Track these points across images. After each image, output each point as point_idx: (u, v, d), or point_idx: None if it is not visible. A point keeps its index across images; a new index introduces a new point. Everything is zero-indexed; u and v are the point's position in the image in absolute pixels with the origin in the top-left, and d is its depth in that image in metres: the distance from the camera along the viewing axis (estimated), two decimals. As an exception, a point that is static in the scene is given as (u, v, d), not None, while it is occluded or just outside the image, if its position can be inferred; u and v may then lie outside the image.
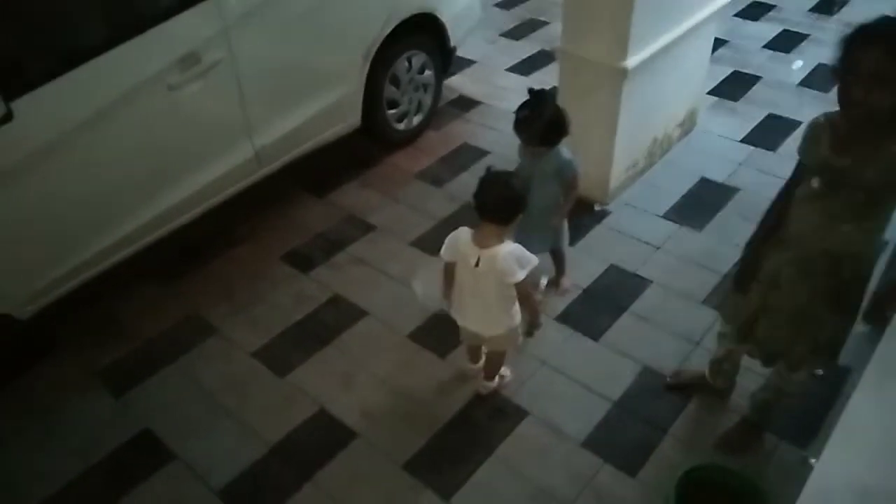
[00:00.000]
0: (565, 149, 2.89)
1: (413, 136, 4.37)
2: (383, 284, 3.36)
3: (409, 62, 4.11)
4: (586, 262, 3.43)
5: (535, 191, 2.83)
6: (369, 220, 3.76)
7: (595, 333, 3.06)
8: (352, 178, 4.08)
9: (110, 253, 3.04)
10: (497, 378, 2.83)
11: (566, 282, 3.28)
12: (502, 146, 4.21)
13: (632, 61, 3.28)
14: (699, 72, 4.11)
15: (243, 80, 3.18)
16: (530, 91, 2.81)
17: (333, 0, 3.46)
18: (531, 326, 2.60)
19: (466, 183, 2.87)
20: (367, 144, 4.23)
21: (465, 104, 4.77)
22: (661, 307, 3.18)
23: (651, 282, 3.31)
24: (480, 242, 2.36)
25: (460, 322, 2.65)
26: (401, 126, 4.27)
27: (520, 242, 2.49)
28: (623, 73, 3.28)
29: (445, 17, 4.16)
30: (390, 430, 2.71)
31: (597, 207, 3.77)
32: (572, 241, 3.52)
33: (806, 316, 2.16)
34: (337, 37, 3.56)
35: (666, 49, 3.48)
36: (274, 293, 3.33)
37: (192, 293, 3.34)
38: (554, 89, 2.75)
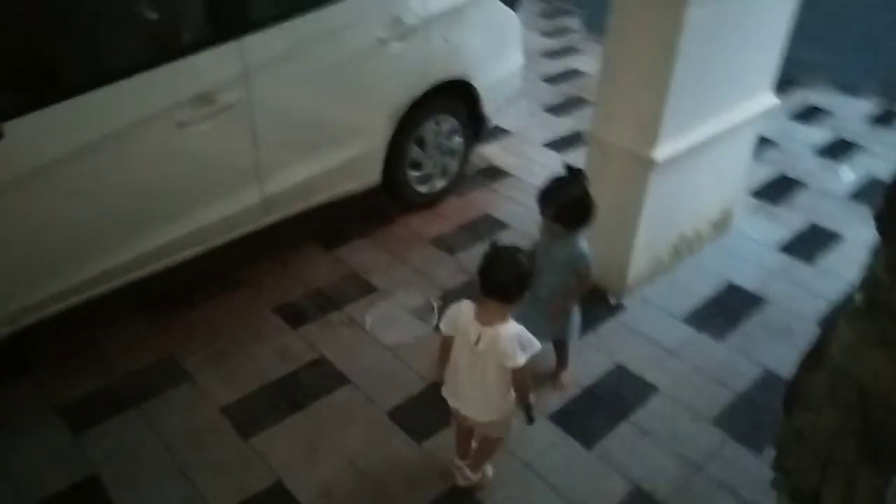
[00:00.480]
0: (584, 241, 2.72)
1: (435, 199, 4.25)
2: (372, 352, 3.17)
3: (439, 125, 4.01)
4: (592, 358, 3.20)
5: (545, 276, 2.67)
6: (372, 280, 3.61)
7: (589, 440, 2.81)
8: (364, 235, 3.95)
9: (97, 283, 2.95)
10: (480, 472, 2.60)
11: (567, 378, 3.05)
12: (523, 221, 4.05)
13: (661, 153, 3.11)
14: (738, 171, 3.91)
15: (258, 125, 3.11)
16: (567, 167, 2.68)
17: (363, 58, 3.39)
18: (527, 412, 2.38)
19: (479, 254, 2.76)
20: (386, 202, 4.12)
21: (494, 174, 4.64)
22: (665, 420, 2.91)
23: (658, 390, 3.05)
24: (483, 319, 2.21)
25: (452, 403, 2.43)
26: (423, 189, 4.15)
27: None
28: (650, 164, 3.11)
29: (480, 85, 4.07)
30: (346, 517, 2.49)
31: (612, 300, 3.55)
32: (581, 334, 3.31)
33: (833, 454, 1.89)
34: (363, 94, 3.49)
35: (700, 145, 3.31)
36: (257, 346, 3.17)
37: (174, 334, 3.21)
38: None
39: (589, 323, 3.35)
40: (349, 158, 3.59)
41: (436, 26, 3.65)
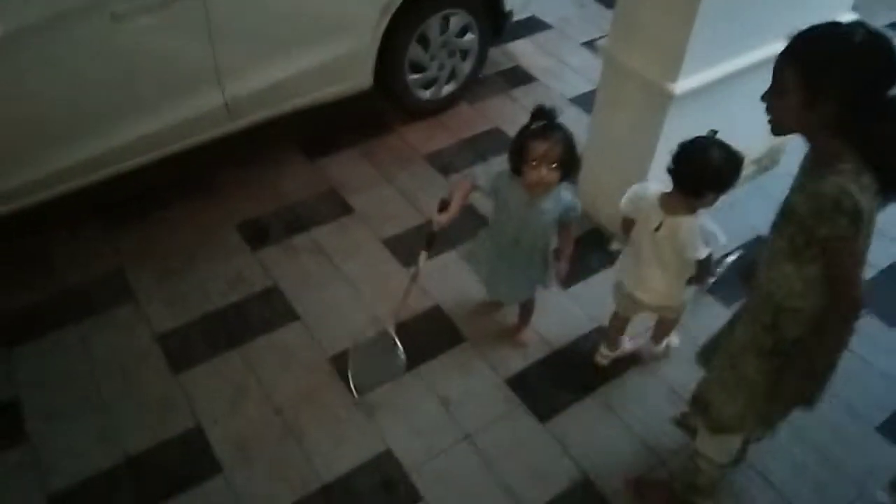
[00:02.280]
0: (565, 190, 2.28)
1: (440, 107, 3.79)
2: (330, 285, 2.90)
3: (447, 20, 3.48)
4: (572, 315, 2.84)
5: (528, 229, 2.30)
6: (350, 199, 3.28)
7: (544, 412, 2.51)
8: (354, 144, 3.58)
9: (46, 185, 2.74)
10: (665, 342, 2.62)
11: (527, 335, 2.73)
12: (538, 140, 3.57)
13: (684, 85, 2.55)
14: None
15: (212, 18, 2.70)
16: (541, 109, 2.16)
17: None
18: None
19: (477, 177, 2.44)
20: (386, 108, 3.70)
21: (517, 78, 4.10)
22: (636, 399, 2.58)
23: (639, 362, 2.69)
24: (667, 208, 2.14)
25: (626, 288, 2.36)
26: (426, 94, 3.69)
27: (503, 282, 2.43)
28: (669, 97, 2.56)
29: (500, -25, 3.48)
30: (257, 475, 2.31)
31: (613, 247, 3.11)
32: (568, 284, 2.94)
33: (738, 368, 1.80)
34: (346, -19, 2.99)
35: (738, 73, 2.71)
36: (210, 267, 2.95)
37: (127, 245, 3.02)
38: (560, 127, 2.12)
39: (580, 273, 2.97)
40: (331, 58, 3.15)
41: None
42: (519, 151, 2.12)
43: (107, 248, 3.01)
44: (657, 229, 2.15)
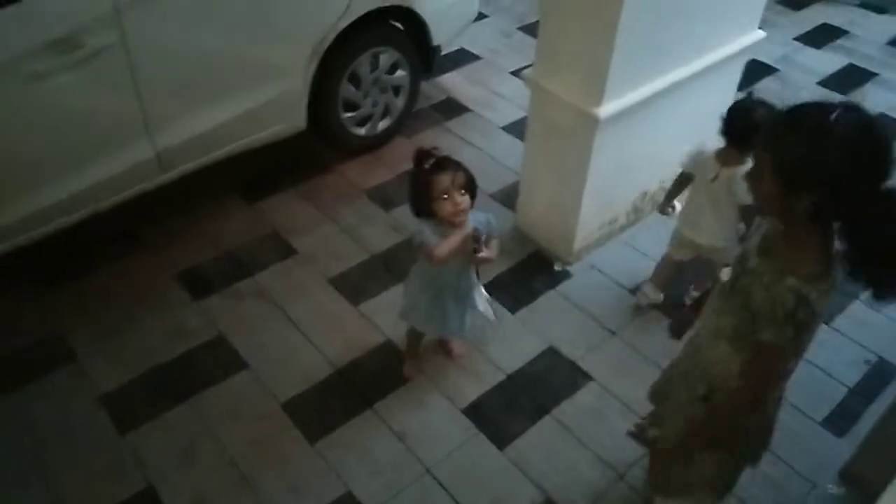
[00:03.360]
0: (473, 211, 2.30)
1: (377, 142, 3.81)
2: (278, 329, 2.87)
3: (377, 59, 3.52)
4: (521, 339, 2.87)
5: (464, 258, 2.30)
6: (293, 241, 3.26)
7: (502, 439, 2.52)
8: (292, 185, 3.56)
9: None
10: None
11: (460, 346, 2.77)
12: (476, 169, 3.57)
13: (607, 109, 2.65)
14: (716, 117, 3.39)
15: (138, 71, 2.68)
16: (422, 151, 2.22)
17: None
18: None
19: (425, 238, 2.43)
20: (323, 146, 3.70)
21: (451, 109, 4.17)
22: (592, 416, 2.61)
23: (592, 379, 2.73)
24: (722, 160, 2.50)
25: (683, 232, 2.76)
26: (361, 131, 3.71)
27: (454, 318, 2.45)
28: (594, 122, 2.65)
29: (425, 11, 3.55)
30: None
31: (557, 267, 3.17)
32: (515, 308, 2.98)
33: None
34: (273, 27, 3.01)
35: (662, 93, 2.82)
36: (151, 321, 2.88)
37: (63, 307, 2.92)
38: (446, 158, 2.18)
39: (526, 296, 3.02)
40: (263, 102, 3.15)
41: (362, -57, 3.12)
42: (426, 192, 2.14)
43: (42, 311, 2.91)
44: (713, 180, 2.52)
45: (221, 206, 3.41)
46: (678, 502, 2.03)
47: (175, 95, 2.87)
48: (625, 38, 2.47)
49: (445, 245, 2.17)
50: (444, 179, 2.14)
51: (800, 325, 1.41)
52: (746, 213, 2.49)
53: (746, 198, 2.26)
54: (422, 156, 2.20)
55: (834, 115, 1.31)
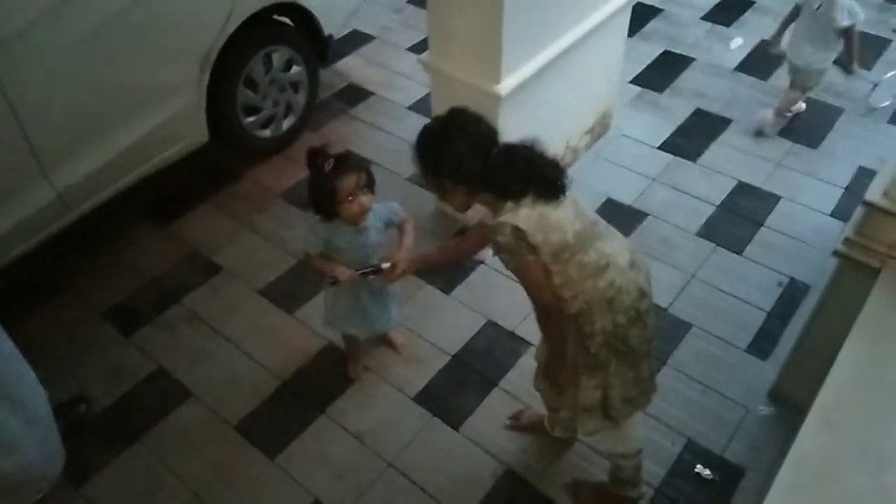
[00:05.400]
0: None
1: (284, 142, 3.76)
2: (216, 351, 2.84)
3: (270, 59, 3.45)
4: (460, 317, 2.94)
5: (373, 252, 2.36)
6: (215, 258, 3.21)
7: (456, 419, 2.61)
8: (204, 200, 3.49)
9: None
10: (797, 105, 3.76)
11: (397, 336, 2.82)
12: (389, 154, 3.64)
13: (507, 85, 2.70)
14: (611, 69, 3.51)
15: (19, 111, 2.54)
16: (314, 151, 2.17)
17: (147, 4, 2.77)
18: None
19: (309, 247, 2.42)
20: (229, 155, 3.62)
21: (354, 95, 4.14)
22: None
23: (531, 344, 2.83)
24: None
25: (788, 56, 3.56)
26: (266, 133, 3.65)
27: (380, 314, 2.48)
28: (497, 99, 2.70)
29: (311, 3, 3.49)
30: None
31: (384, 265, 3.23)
32: (449, 289, 3.05)
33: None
34: (157, 46, 2.90)
35: (556, 59, 2.89)
36: (86, 366, 2.80)
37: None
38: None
39: (456, 276, 3.08)
40: (159, 123, 3.05)
41: (235, -55, 3.02)
42: (330, 196, 2.13)
43: (-36, 375, 2.78)
44: (818, 8, 3.30)
45: (135, 234, 3.31)
46: (598, 438, 2.16)
47: (66, 132, 2.75)
48: (512, 12, 2.51)
49: (326, 267, 2.27)
50: (349, 182, 2.13)
51: (517, 238, 1.75)
52: (845, 36, 3.34)
53: (843, 20, 3.27)
54: (316, 157, 2.13)
55: (436, 128, 1.86)
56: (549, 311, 1.86)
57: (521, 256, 1.77)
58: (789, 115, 3.77)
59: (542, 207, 1.76)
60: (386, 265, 2.29)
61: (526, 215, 1.74)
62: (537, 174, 1.79)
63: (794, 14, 3.50)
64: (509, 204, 1.77)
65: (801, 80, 3.61)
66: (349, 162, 2.16)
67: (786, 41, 3.60)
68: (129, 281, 3.11)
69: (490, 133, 1.85)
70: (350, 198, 2.14)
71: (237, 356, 2.82)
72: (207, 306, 3.01)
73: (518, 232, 1.74)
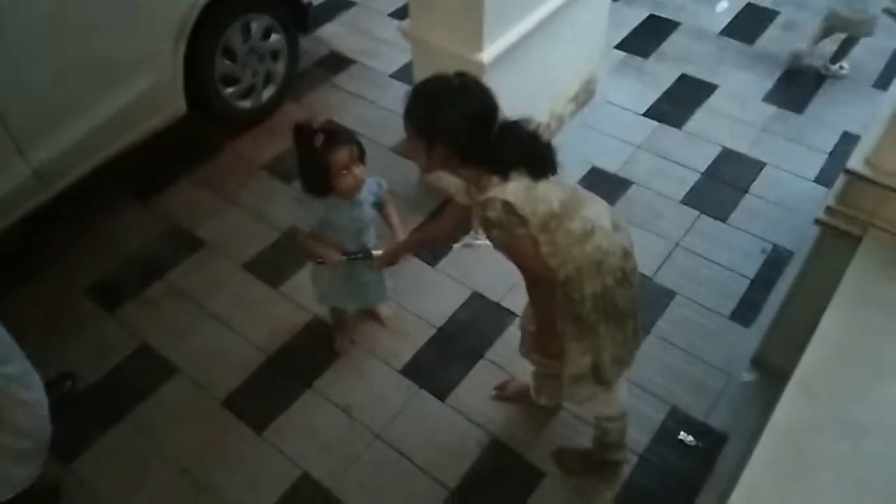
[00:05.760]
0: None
1: (265, 112, 3.70)
2: (201, 326, 2.83)
3: (248, 27, 3.38)
4: (446, 289, 2.94)
5: (366, 227, 2.35)
6: (197, 232, 3.18)
7: (443, 390, 2.62)
8: (186, 173, 3.44)
9: None
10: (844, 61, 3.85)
11: (385, 310, 2.83)
12: (373, 124, 3.60)
13: (490, 53, 2.66)
14: (595, 34, 3.47)
15: (-7, 88, 2.49)
16: (301, 126, 2.13)
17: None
18: None
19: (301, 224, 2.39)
20: (210, 126, 3.57)
21: (335, 63, 4.07)
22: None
23: (517, 315, 2.83)
24: None
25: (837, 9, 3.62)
26: (247, 104, 3.59)
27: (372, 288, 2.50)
28: (480, 67, 2.66)
29: (289, -32, 3.40)
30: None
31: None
32: (434, 261, 3.04)
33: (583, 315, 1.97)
34: (130, 18, 2.83)
35: (539, 25, 2.84)
36: (70, 343, 2.79)
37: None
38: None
39: (443, 248, 3.07)
40: (136, 96, 2.99)
41: None
42: (324, 171, 2.09)
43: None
44: None
45: (116, 209, 3.27)
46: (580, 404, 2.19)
47: (40, 108, 2.70)
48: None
49: (314, 248, 2.25)
50: (343, 155, 2.10)
51: (508, 213, 1.73)
52: None
53: None
54: (305, 131, 2.10)
55: (449, 81, 1.74)
56: (539, 281, 1.86)
57: (511, 230, 1.76)
58: (832, 69, 3.84)
59: (527, 180, 1.76)
60: (377, 252, 2.28)
61: (514, 189, 1.73)
62: (530, 152, 1.78)
63: None
64: (495, 179, 1.75)
65: (846, 28, 3.68)
66: (340, 135, 2.12)
67: None
68: (111, 256, 3.08)
69: (494, 107, 1.78)
70: (344, 171, 2.11)
71: (222, 331, 2.81)
72: (191, 282, 2.99)
73: (508, 206, 1.73)
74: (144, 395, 2.63)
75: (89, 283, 2.99)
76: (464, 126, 1.71)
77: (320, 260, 2.28)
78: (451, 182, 3.21)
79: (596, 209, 1.88)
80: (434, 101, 1.73)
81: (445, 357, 2.72)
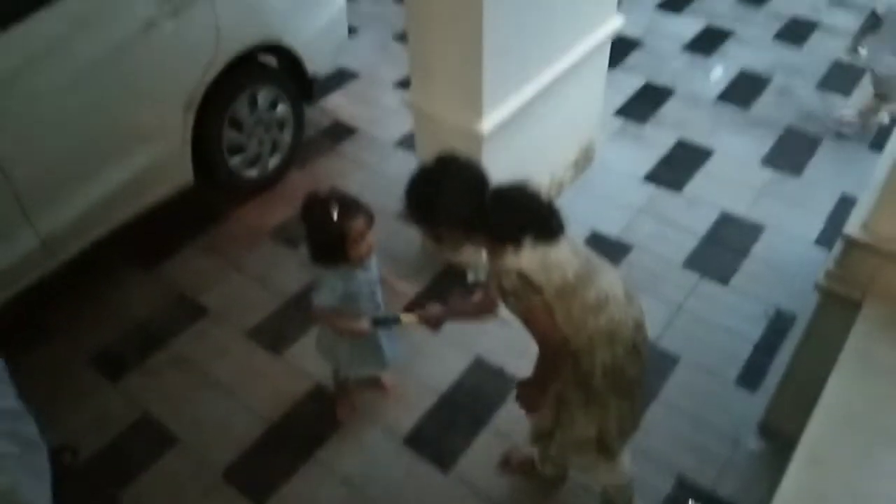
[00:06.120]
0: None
1: (271, 180, 3.77)
2: (202, 395, 2.82)
3: (255, 98, 3.47)
4: (449, 355, 2.93)
5: (377, 288, 2.39)
6: (202, 300, 3.19)
7: (446, 460, 2.59)
8: (191, 241, 3.48)
9: None
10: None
11: (388, 379, 2.81)
12: (376, 191, 3.63)
13: (489, 123, 2.73)
14: (593, 102, 3.56)
15: (7, 159, 2.55)
16: (313, 199, 2.19)
17: (127, 49, 2.80)
18: None
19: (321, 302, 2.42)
20: (216, 194, 3.63)
21: (339, 132, 4.16)
22: (523, 419, 2.69)
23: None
24: None
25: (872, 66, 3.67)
26: (253, 172, 3.66)
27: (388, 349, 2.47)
28: (479, 137, 2.72)
29: (294, 43, 3.52)
30: None
31: (470, 277, 3.24)
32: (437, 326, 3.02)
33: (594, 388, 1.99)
34: (142, 91, 2.92)
35: (537, 96, 2.92)
36: (73, 413, 2.77)
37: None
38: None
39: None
40: (145, 167, 3.06)
41: (219, -11, 3.05)
42: (341, 240, 2.12)
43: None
44: None
45: (121, 277, 3.30)
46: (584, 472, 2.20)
47: (50, 178, 2.75)
48: (492, 51, 2.54)
49: (341, 323, 2.27)
50: (360, 223, 2.14)
51: (522, 280, 1.76)
52: None
53: None
54: (318, 203, 2.15)
55: (432, 172, 1.85)
56: (553, 349, 1.86)
57: (526, 299, 1.78)
58: (874, 122, 3.87)
59: (542, 249, 1.78)
60: (408, 318, 2.31)
61: (528, 257, 1.76)
62: (532, 217, 1.82)
63: (872, 23, 3.56)
64: (509, 248, 1.78)
65: (883, 90, 3.70)
66: (353, 203, 2.18)
67: (865, 51, 3.70)
68: (115, 325, 3.09)
69: (480, 176, 1.87)
70: (360, 238, 2.15)
71: (224, 400, 2.80)
72: (194, 350, 2.99)
73: (522, 275, 1.75)
74: (145, 467, 2.59)
75: (93, 352, 2.99)
76: (454, 202, 1.78)
77: (354, 334, 2.29)
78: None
79: (610, 279, 1.89)
80: (421, 190, 1.84)
81: (448, 425, 2.69)
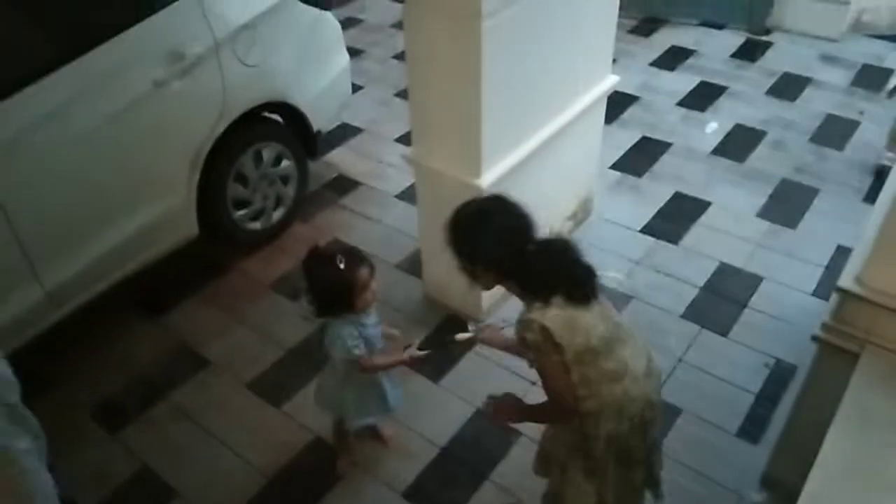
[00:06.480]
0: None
1: (274, 233, 3.83)
2: (202, 448, 2.81)
3: (260, 154, 3.56)
4: (449, 406, 2.93)
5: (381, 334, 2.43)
6: (203, 352, 3.21)
7: (447, 516, 2.56)
8: (195, 293, 3.52)
9: None
10: None
11: (386, 430, 2.80)
12: (378, 242, 3.70)
13: (488, 178, 2.79)
14: (590, 156, 3.63)
15: (11, 216, 2.61)
16: (318, 251, 2.26)
17: (138, 109, 2.89)
18: None
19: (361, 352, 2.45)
20: (217, 247, 3.67)
21: (342, 186, 4.24)
22: (529, 471, 2.66)
23: (522, 434, 2.81)
24: None
25: None
26: (257, 226, 3.72)
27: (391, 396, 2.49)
28: (478, 192, 2.77)
29: (299, 101, 3.62)
30: None
31: (471, 328, 3.24)
32: (437, 377, 3.04)
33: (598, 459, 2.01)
34: (149, 149, 3.00)
35: (536, 151, 2.99)
36: (73, 467, 2.74)
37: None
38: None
39: (446, 363, 3.08)
40: (149, 221, 3.12)
41: (227, 51, 3.16)
42: (348, 290, 2.18)
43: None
44: None
45: (124, 327, 3.32)
46: None
47: (57, 233, 2.81)
48: (491, 108, 2.62)
49: (387, 360, 2.35)
50: (365, 273, 2.22)
51: (542, 335, 1.76)
52: None
53: None
54: (322, 256, 2.21)
55: (475, 210, 1.88)
56: (563, 408, 1.86)
57: (546, 355, 1.79)
58: None
59: (571, 310, 1.78)
60: (463, 336, 2.34)
61: (554, 315, 1.76)
62: (568, 276, 1.81)
63: None
64: (538, 303, 1.78)
65: None
66: (357, 254, 2.25)
67: None
68: (116, 376, 3.10)
69: (527, 224, 1.86)
70: (366, 287, 2.22)
71: (223, 453, 2.79)
72: (194, 402, 2.99)
73: (545, 331, 1.75)
74: (142, 522, 2.57)
75: (94, 404, 3.00)
76: (495, 244, 1.78)
77: (411, 363, 2.40)
78: (453, 296, 3.28)
79: (633, 351, 1.90)
80: (467, 224, 1.84)
81: (449, 479, 2.67)
